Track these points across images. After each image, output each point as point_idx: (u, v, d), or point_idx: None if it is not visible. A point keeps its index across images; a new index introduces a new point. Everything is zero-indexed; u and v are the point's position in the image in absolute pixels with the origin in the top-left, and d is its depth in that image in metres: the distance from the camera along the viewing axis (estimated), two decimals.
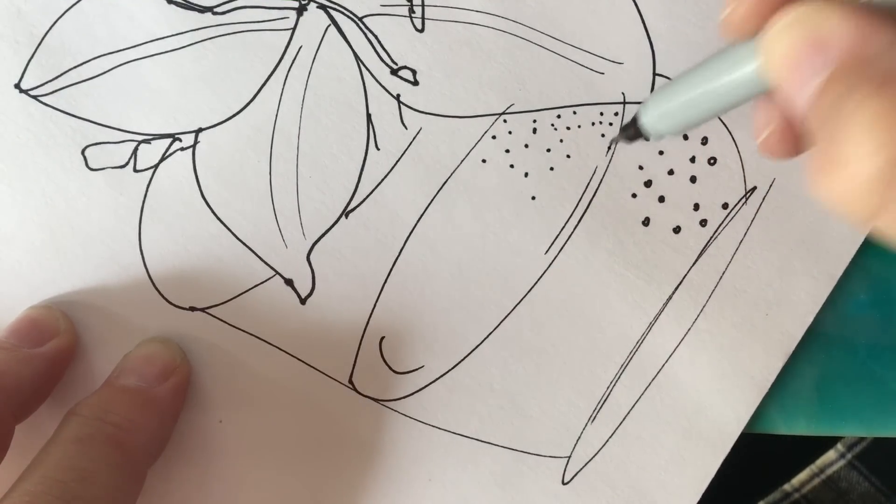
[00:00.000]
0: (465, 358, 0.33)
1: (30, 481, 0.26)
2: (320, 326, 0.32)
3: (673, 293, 0.33)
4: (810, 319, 0.34)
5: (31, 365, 0.29)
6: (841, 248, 0.34)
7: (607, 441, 0.34)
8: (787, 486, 0.36)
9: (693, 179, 0.33)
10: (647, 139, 0.28)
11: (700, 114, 0.26)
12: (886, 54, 0.18)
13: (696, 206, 0.33)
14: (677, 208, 0.33)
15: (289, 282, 0.32)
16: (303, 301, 0.32)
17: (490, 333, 0.33)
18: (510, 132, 0.33)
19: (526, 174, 0.33)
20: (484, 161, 0.33)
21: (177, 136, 0.31)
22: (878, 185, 0.17)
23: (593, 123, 0.33)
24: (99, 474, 0.27)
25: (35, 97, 0.31)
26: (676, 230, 0.33)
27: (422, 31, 0.32)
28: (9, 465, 0.28)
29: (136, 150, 0.31)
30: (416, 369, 0.33)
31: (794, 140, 0.26)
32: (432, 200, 0.32)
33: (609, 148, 0.33)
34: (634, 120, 0.29)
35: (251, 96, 0.32)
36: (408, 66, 0.32)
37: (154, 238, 0.31)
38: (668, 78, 0.33)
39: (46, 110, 0.31)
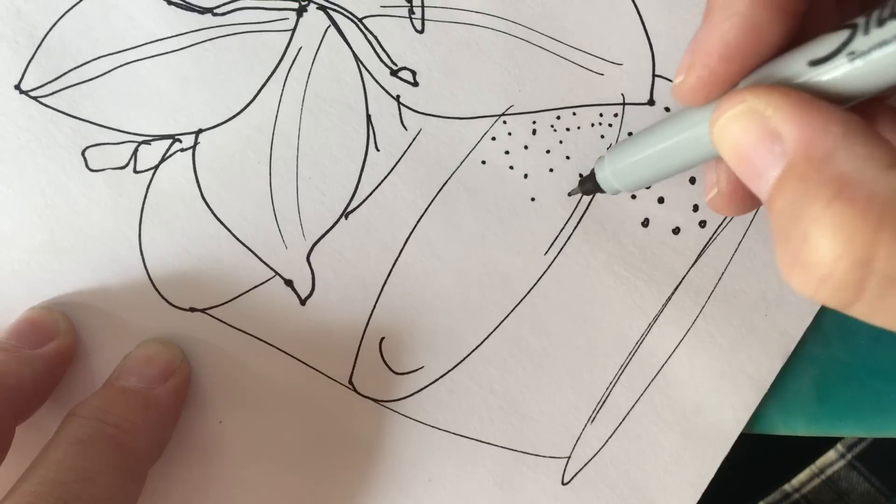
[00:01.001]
0: (465, 358, 0.33)
1: (30, 482, 0.26)
2: (320, 327, 0.32)
3: (672, 294, 0.33)
4: (809, 320, 0.34)
5: (32, 366, 0.29)
6: None
7: (607, 441, 0.34)
8: (787, 487, 0.36)
9: (692, 181, 0.33)
10: (603, 192, 0.29)
11: (653, 174, 0.27)
12: (839, 153, 0.19)
13: (696, 207, 0.33)
14: (677, 209, 0.33)
15: (289, 283, 0.32)
16: (303, 302, 0.32)
17: (490, 334, 0.33)
18: (510, 133, 0.33)
19: (525, 175, 0.33)
20: (483, 162, 0.33)
21: (177, 136, 0.31)
22: (847, 285, 0.18)
23: (593, 124, 0.33)
24: (100, 475, 0.27)
25: (35, 98, 0.31)
26: (676, 231, 0.33)
27: (421, 31, 0.32)
28: (9, 466, 0.28)
29: (136, 151, 0.31)
30: (416, 370, 0.33)
31: (742, 201, 0.27)
32: (432, 201, 0.32)
33: (570, 195, 0.33)
34: (592, 174, 0.29)
35: (251, 97, 0.32)
36: (407, 66, 0.32)
37: (154, 239, 0.31)
38: (668, 79, 0.33)
39: (46, 111, 0.31)
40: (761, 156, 0.21)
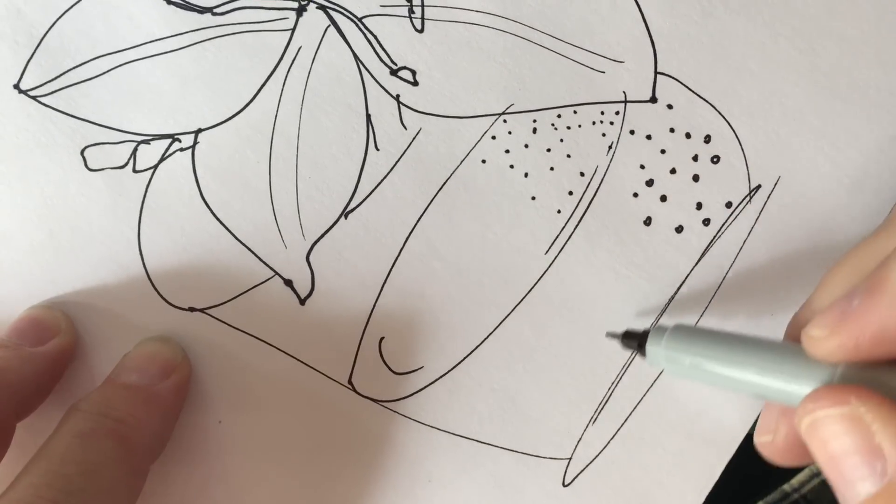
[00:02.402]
0: (465, 358, 0.33)
1: (33, 474, 0.26)
2: (320, 327, 0.32)
3: (675, 293, 0.33)
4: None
5: (33, 363, 0.30)
6: (848, 248, 0.33)
7: (609, 443, 0.33)
8: (786, 487, 0.36)
9: (696, 178, 0.33)
10: (642, 356, 0.28)
11: (710, 382, 0.26)
12: None
13: (699, 205, 0.33)
14: (680, 207, 0.33)
15: (288, 282, 0.32)
16: (302, 302, 0.32)
17: (490, 333, 0.33)
18: (510, 132, 0.32)
19: (526, 174, 0.33)
20: (484, 161, 0.32)
21: (176, 136, 0.31)
22: None
23: (594, 123, 0.33)
24: (102, 468, 0.27)
25: (34, 98, 0.31)
26: (679, 230, 0.33)
27: (421, 31, 0.32)
28: (9, 463, 0.28)
29: (135, 150, 0.31)
30: (416, 370, 0.33)
31: (794, 458, 0.26)
32: (432, 201, 0.32)
33: (607, 335, 0.32)
34: (643, 337, 0.28)
35: (251, 97, 0.32)
36: (407, 66, 0.32)
37: (153, 238, 0.31)
38: (670, 76, 0.33)
39: (46, 111, 0.31)
40: (856, 466, 0.20)
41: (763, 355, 0.24)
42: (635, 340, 0.29)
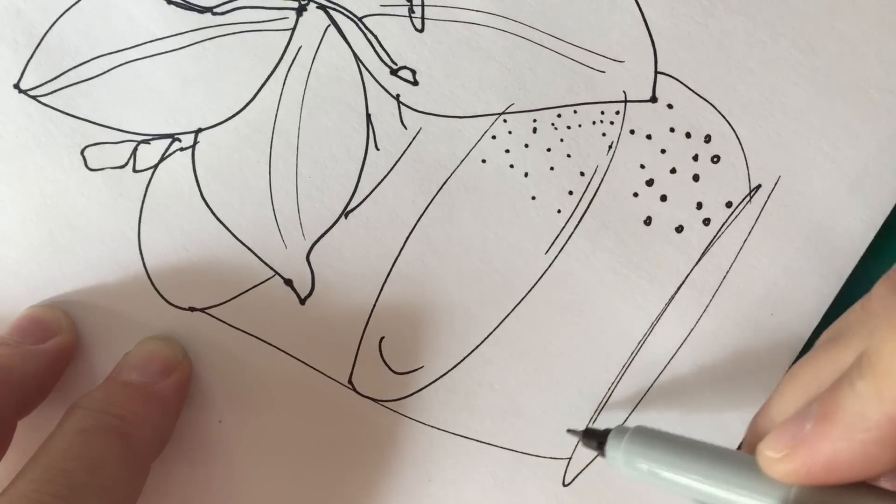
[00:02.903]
0: (465, 358, 0.33)
1: (35, 470, 0.26)
2: (320, 327, 0.32)
3: (676, 293, 0.33)
4: (817, 319, 0.34)
5: (34, 361, 0.30)
6: (849, 247, 0.33)
7: None
8: None
9: (696, 178, 0.33)
10: (602, 455, 0.28)
11: (667, 489, 0.26)
12: None
13: (700, 205, 0.33)
14: (680, 207, 0.33)
15: (288, 282, 0.32)
16: (302, 301, 0.32)
17: (490, 333, 0.33)
18: (510, 132, 0.32)
19: (526, 174, 0.33)
20: (484, 161, 0.32)
21: (176, 136, 0.31)
22: None
23: (594, 122, 0.33)
24: (104, 464, 0.27)
25: (34, 97, 0.31)
26: (679, 229, 0.33)
27: (421, 30, 0.32)
28: (11, 460, 0.28)
29: (135, 150, 0.31)
30: (416, 370, 0.33)
31: None
32: (432, 200, 0.32)
33: (567, 431, 0.32)
34: (602, 438, 0.28)
35: (251, 96, 0.32)
36: (407, 66, 0.32)
37: (153, 238, 0.31)
38: (670, 76, 0.33)
39: (45, 110, 0.31)
40: None
41: (721, 468, 0.24)
42: (595, 440, 0.29)
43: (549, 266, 0.33)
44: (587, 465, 0.33)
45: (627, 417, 0.33)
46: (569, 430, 0.31)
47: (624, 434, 0.27)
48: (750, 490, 0.24)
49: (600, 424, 0.32)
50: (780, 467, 0.23)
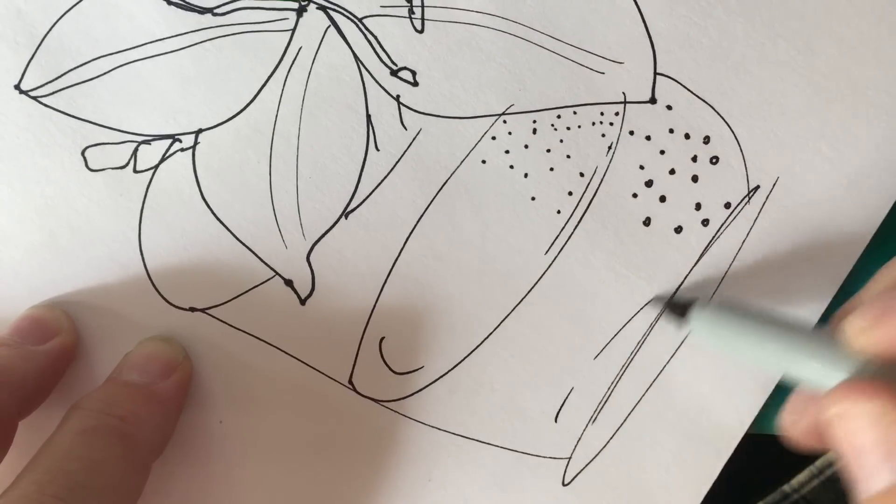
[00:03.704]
0: (465, 358, 0.33)
1: (36, 471, 0.26)
2: (320, 327, 0.32)
3: (675, 292, 0.33)
4: (815, 320, 0.34)
5: (34, 361, 0.30)
6: (846, 249, 0.34)
7: (608, 442, 0.33)
8: (786, 487, 0.36)
9: (695, 179, 0.33)
10: (680, 325, 0.29)
11: (748, 359, 0.26)
12: None
13: (698, 206, 0.33)
14: (679, 208, 0.33)
15: (289, 282, 0.32)
16: (303, 302, 0.32)
17: (490, 333, 0.33)
18: (510, 133, 0.32)
19: (526, 175, 0.33)
20: (484, 162, 0.32)
21: (177, 136, 0.31)
22: None
23: (594, 123, 0.33)
24: (105, 465, 0.27)
25: (35, 98, 0.31)
26: (678, 230, 0.33)
27: (421, 31, 0.32)
28: (12, 460, 0.28)
29: (135, 150, 0.31)
30: (416, 370, 0.33)
31: (815, 439, 0.27)
32: (432, 201, 0.32)
33: (649, 302, 0.33)
34: (686, 306, 0.29)
35: (251, 97, 0.32)
36: (407, 66, 0.32)
37: (154, 239, 0.31)
38: (669, 77, 0.33)
39: (46, 111, 0.31)
40: (876, 460, 0.20)
41: (804, 339, 0.25)
42: (679, 309, 0.30)
43: (549, 266, 0.33)
44: (587, 465, 0.33)
45: (627, 417, 0.33)
46: (653, 299, 0.32)
47: (708, 304, 0.28)
48: (830, 360, 0.24)
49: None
50: (866, 336, 0.23)
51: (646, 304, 0.33)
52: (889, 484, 0.20)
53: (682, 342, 0.33)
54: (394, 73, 0.32)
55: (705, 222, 0.33)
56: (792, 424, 0.27)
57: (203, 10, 0.31)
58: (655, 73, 0.33)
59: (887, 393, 0.21)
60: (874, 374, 0.22)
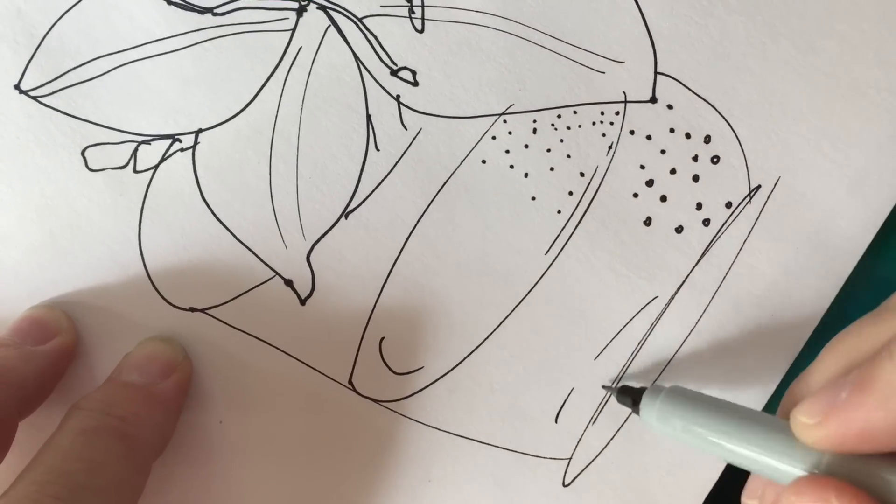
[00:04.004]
0: (465, 358, 0.33)
1: (37, 471, 0.26)
2: (320, 327, 0.32)
3: (675, 293, 0.33)
4: (817, 320, 0.34)
5: (34, 362, 0.30)
6: (848, 247, 0.33)
7: (609, 443, 0.33)
8: None
9: (696, 178, 0.33)
10: (636, 413, 0.29)
11: (702, 449, 0.26)
12: None
13: (699, 206, 0.33)
14: (679, 207, 0.33)
15: (289, 282, 0.32)
16: (303, 302, 0.32)
17: (490, 333, 0.33)
18: (510, 132, 0.32)
19: (526, 174, 0.33)
20: (484, 161, 0.32)
21: (177, 136, 0.31)
22: None
23: (594, 123, 0.33)
24: (105, 465, 0.27)
25: (35, 98, 0.31)
26: (679, 230, 0.33)
27: (421, 31, 0.32)
28: (12, 461, 0.28)
29: (135, 150, 0.31)
30: (416, 370, 0.33)
31: None
32: (432, 201, 0.32)
33: (603, 387, 0.33)
34: (637, 395, 0.29)
35: (251, 97, 0.32)
36: (407, 66, 0.32)
37: (154, 239, 0.31)
38: (670, 76, 0.33)
39: (46, 111, 0.31)
40: None
41: (755, 431, 0.25)
42: (629, 397, 0.30)
43: (549, 266, 0.33)
44: (587, 466, 0.33)
45: (627, 417, 0.33)
46: (604, 387, 0.32)
47: (659, 392, 0.28)
48: (781, 453, 0.24)
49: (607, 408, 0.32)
50: (814, 433, 0.23)
51: (603, 386, 0.33)
52: None
53: (683, 343, 0.33)
54: (394, 72, 0.32)
55: (706, 222, 0.33)
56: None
57: (203, 10, 0.31)
58: (656, 73, 0.33)
59: (837, 493, 0.21)
60: (829, 468, 0.23)
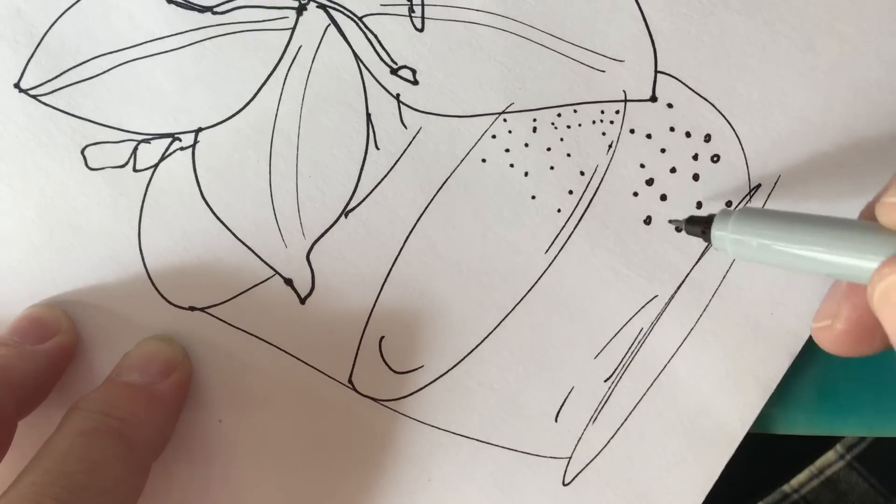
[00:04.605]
0: (465, 358, 0.33)
1: (36, 472, 0.26)
2: (320, 326, 0.32)
3: (675, 292, 0.33)
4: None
5: (34, 361, 0.30)
6: None
7: (609, 442, 0.33)
8: (786, 488, 0.36)
9: (696, 177, 0.33)
10: (708, 243, 0.28)
11: (779, 263, 0.25)
12: None
13: (699, 205, 0.33)
14: (680, 206, 0.33)
15: (288, 281, 0.32)
16: (302, 301, 0.32)
17: (490, 333, 0.33)
18: (510, 131, 0.32)
19: (526, 173, 0.33)
20: (484, 160, 0.32)
21: (176, 135, 0.31)
22: None
23: (594, 122, 0.33)
24: (105, 466, 0.27)
25: (34, 97, 0.31)
26: (679, 229, 0.33)
27: (422, 30, 0.32)
28: (11, 461, 0.28)
29: (135, 149, 0.31)
30: (416, 369, 0.33)
31: (853, 345, 0.26)
32: (432, 200, 0.32)
33: (670, 222, 0.32)
34: (708, 221, 0.28)
35: (251, 96, 0.32)
36: (407, 65, 0.32)
37: (154, 238, 0.31)
38: (670, 75, 0.33)
39: (46, 110, 0.31)
40: None
41: (832, 232, 0.24)
42: (699, 226, 0.29)
43: (549, 266, 0.33)
44: (587, 465, 0.33)
45: (628, 417, 0.33)
46: (671, 221, 0.31)
47: (730, 215, 0.27)
48: (866, 249, 0.23)
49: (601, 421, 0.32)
50: (831, 332, 0.22)
51: (672, 221, 0.32)
52: None
53: (684, 341, 0.33)
54: (394, 71, 0.32)
55: None
56: (824, 330, 0.26)
57: (203, 9, 0.31)
58: (656, 72, 0.33)
59: None
60: None
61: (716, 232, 0.28)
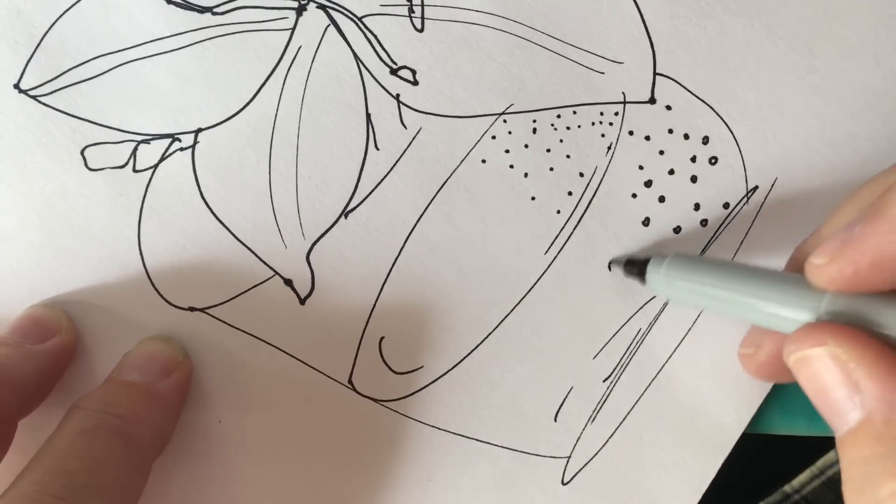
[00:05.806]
0: (465, 358, 0.33)
1: (37, 471, 0.26)
2: (320, 327, 0.32)
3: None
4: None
5: (34, 360, 0.30)
6: None
7: (607, 441, 0.34)
8: (787, 488, 0.36)
9: (694, 179, 0.33)
10: (642, 283, 0.30)
11: (709, 308, 0.27)
12: None
13: (697, 206, 0.33)
14: (678, 208, 0.33)
15: (288, 282, 0.32)
16: (302, 301, 0.32)
17: (490, 333, 0.33)
18: (510, 132, 0.32)
19: (526, 174, 0.33)
20: (484, 161, 0.32)
21: (176, 136, 0.31)
22: None
23: (593, 123, 0.33)
24: (106, 464, 0.27)
25: (34, 97, 0.31)
26: (677, 230, 0.33)
27: (421, 30, 0.32)
28: (12, 460, 0.28)
29: (135, 150, 0.31)
30: (416, 369, 0.33)
31: (772, 374, 0.27)
32: (432, 200, 0.32)
33: (608, 265, 0.33)
34: (643, 265, 0.29)
35: (251, 96, 0.32)
36: (407, 65, 0.32)
37: (153, 238, 0.31)
38: (669, 77, 0.33)
39: (45, 110, 0.31)
40: (841, 399, 0.21)
41: (759, 283, 0.25)
42: (636, 268, 0.30)
43: (549, 266, 0.33)
44: (586, 464, 0.34)
45: (626, 416, 0.34)
46: (610, 262, 0.32)
47: (664, 259, 0.29)
48: (788, 303, 0.24)
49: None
50: (827, 271, 0.22)
51: (610, 263, 0.33)
52: (859, 420, 0.21)
53: (682, 341, 0.33)
54: (394, 72, 0.32)
55: (704, 222, 0.33)
56: (748, 357, 0.28)
57: (202, 10, 0.31)
58: (655, 74, 0.33)
59: (834, 336, 0.21)
60: (833, 315, 0.23)
61: (649, 275, 0.29)
